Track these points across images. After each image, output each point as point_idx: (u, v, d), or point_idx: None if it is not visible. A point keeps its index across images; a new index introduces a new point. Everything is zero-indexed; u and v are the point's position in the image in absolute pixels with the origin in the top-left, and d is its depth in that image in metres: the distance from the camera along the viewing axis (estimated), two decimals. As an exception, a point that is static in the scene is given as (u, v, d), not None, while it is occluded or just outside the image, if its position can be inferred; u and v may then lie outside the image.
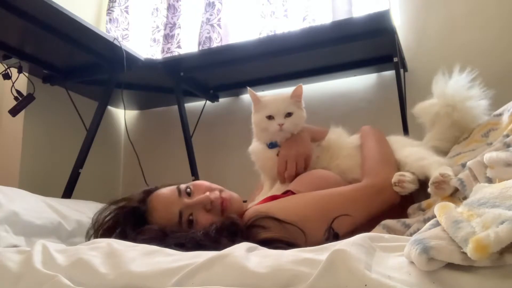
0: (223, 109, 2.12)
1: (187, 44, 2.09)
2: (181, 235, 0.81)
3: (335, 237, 0.75)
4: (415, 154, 1.00)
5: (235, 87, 2.01)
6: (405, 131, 1.45)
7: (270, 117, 1.07)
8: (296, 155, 1.09)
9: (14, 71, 1.64)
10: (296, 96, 1.11)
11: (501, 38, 1.62)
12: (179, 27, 2.11)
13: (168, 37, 2.11)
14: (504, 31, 1.62)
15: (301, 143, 1.11)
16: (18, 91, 1.64)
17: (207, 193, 0.96)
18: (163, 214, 0.93)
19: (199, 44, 2.01)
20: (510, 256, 0.37)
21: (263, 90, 2.00)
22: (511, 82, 1.53)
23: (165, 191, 0.98)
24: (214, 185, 1.02)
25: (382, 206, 0.92)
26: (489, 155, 0.68)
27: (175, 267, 0.54)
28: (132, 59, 1.63)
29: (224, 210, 0.96)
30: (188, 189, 0.97)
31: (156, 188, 1.01)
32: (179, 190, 0.96)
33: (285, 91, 1.93)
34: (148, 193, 1.00)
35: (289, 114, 1.08)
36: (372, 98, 1.81)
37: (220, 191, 1.00)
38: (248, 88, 1.12)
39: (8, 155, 1.79)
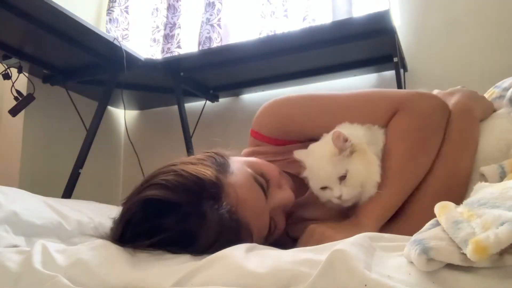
0: (223, 109, 2.12)
1: (187, 44, 2.10)
2: None
3: None
4: None
5: (235, 87, 2.02)
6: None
7: (324, 188, 0.76)
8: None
9: (14, 71, 1.65)
10: (340, 144, 0.73)
11: (501, 37, 1.62)
12: (179, 27, 2.11)
13: (168, 37, 2.12)
14: (504, 31, 1.62)
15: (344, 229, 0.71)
16: (18, 91, 1.64)
17: (286, 188, 0.79)
18: (258, 229, 0.70)
19: (199, 44, 2.01)
20: (510, 257, 0.37)
21: (263, 90, 2.00)
22: (511, 82, 1.53)
23: (247, 192, 0.70)
24: (275, 168, 0.82)
25: None
26: None
27: (175, 267, 0.54)
28: (132, 59, 1.63)
29: None
30: (267, 183, 0.76)
31: (219, 181, 0.68)
32: (262, 187, 0.74)
33: (285, 91, 1.94)
34: (218, 193, 0.67)
35: (343, 177, 0.73)
36: (372, 98, 1.81)
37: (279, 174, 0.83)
38: (294, 153, 0.80)
39: (8, 155, 1.79)
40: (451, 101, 0.86)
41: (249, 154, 0.88)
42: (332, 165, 0.73)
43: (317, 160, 0.76)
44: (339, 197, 0.73)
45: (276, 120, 0.89)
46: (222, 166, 0.72)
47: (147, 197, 0.64)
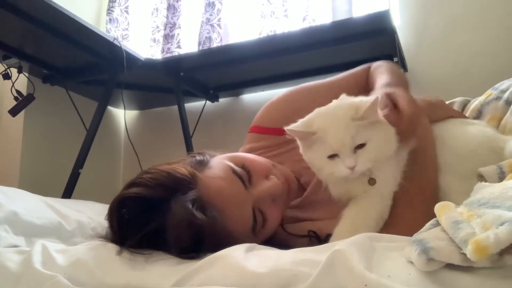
0: (223, 109, 2.12)
1: (187, 44, 2.09)
2: None
3: (319, 240, 0.74)
4: None
5: (235, 87, 2.02)
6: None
7: (332, 156, 0.64)
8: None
9: (14, 71, 1.65)
10: (369, 113, 0.63)
11: (501, 38, 1.62)
12: (179, 27, 2.11)
13: (168, 37, 2.11)
14: (504, 31, 1.62)
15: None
16: (18, 91, 1.64)
17: (273, 178, 0.77)
18: (235, 221, 0.69)
19: (199, 44, 2.01)
20: (510, 257, 0.37)
21: (263, 90, 2.00)
22: (511, 82, 1.53)
23: (221, 182, 0.70)
24: (266, 161, 0.81)
25: None
26: None
27: (175, 267, 0.54)
28: (132, 59, 1.63)
29: (288, 194, 0.80)
30: (248, 173, 0.74)
31: (192, 175, 0.69)
32: (240, 177, 0.73)
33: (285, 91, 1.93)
34: (189, 184, 0.68)
35: (361, 146, 0.63)
36: (372, 98, 1.81)
37: (274, 166, 0.81)
38: (286, 128, 0.67)
39: (8, 155, 1.79)
40: None
41: (246, 151, 0.88)
42: (352, 130, 0.62)
43: (333, 122, 0.64)
44: (352, 168, 0.62)
45: (282, 110, 0.90)
46: (200, 163, 0.74)
47: (122, 196, 0.67)
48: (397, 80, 0.80)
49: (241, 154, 0.81)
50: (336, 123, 0.64)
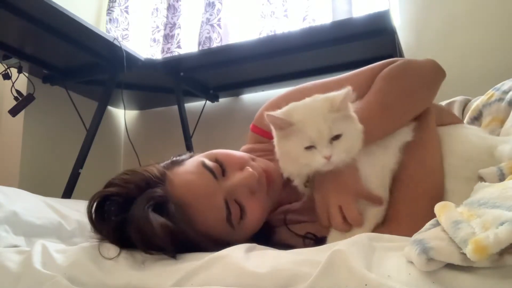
0: (223, 109, 2.12)
1: (187, 44, 2.10)
2: None
3: (317, 241, 0.74)
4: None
5: (235, 87, 2.02)
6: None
7: (309, 147, 0.67)
8: (338, 199, 0.68)
9: (14, 71, 1.65)
10: (343, 104, 0.67)
11: (501, 38, 1.62)
12: (179, 27, 2.11)
13: (168, 37, 2.12)
14: (504, 31, 1.61)
15: (341, 174, 0.68)
16: (18, 91, 1.64)
17: (248, 169, 0.75)
18: (207, 214, 0.69)
19: (199, 44, 2.01)
20: (510, 257, 0.37)
21: (263, 90, 2.00)
22: (511, 82, 1.53)
23: (188, 176, 0.72)
24: (243, 154, 0.81)
25: None
26: None
27: (175, 267, 0.54)
28: (132, 59, 1.63)
29: (270, 187, 0.78)
30: (222, 166, 0.74)
31: (161, 174, 0.72)
32: (210, 170, 0.73)
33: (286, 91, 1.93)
34: (158, 182, 0.70)
35: (337, 137, 0.66)
36: (372, 98, 1.80)
37: (253, 160, 0.80)
38: (266, 113, 0.67)
39: (8, 155, 1.79)
40: None
41: (246, 151, 0.88)
42: (329, 121, 0.65)
43: (311, 115, 0.67)
44: (328, 158, 0.65)
45: None
46: (174, 163, 0.76)
47: (96, 195, 0.70)
48: (370, 113, 0.72)
49: (217, 150, 0.81)
50: (314, 115, 0.67)
